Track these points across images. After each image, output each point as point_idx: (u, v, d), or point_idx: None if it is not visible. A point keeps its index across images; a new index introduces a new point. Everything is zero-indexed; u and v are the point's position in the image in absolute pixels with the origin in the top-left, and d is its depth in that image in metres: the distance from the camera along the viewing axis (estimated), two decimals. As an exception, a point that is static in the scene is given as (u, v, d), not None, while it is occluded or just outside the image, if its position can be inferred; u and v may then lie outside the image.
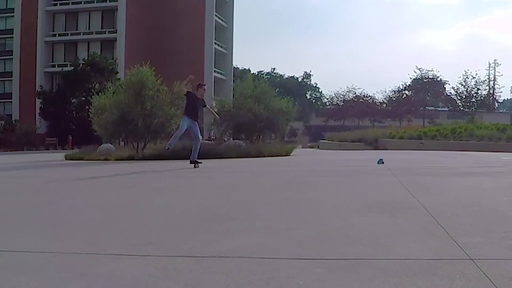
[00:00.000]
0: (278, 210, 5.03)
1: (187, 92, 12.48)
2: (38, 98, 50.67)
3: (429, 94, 73.56)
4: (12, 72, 59.31)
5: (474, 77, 66.74)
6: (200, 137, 12.58)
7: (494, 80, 75.64)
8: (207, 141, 23.39)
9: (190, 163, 11.87)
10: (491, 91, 74.28)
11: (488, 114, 70.13)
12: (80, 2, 58.06)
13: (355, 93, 78.22)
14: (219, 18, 62.26)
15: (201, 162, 11.93)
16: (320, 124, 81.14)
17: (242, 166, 12.44)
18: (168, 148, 12.42)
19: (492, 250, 3.15)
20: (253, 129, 21.96)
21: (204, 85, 12.90)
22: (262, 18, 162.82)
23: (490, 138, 25.78)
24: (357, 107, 74.54)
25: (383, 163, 11.34)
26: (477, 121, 48.73)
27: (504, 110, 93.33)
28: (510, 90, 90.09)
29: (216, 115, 15.14)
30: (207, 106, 13.07)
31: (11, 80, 59.36)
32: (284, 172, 10.62)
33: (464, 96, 67.37)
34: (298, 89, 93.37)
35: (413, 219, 4.29)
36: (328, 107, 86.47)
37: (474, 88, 66.75)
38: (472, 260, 2.89)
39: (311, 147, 43.00)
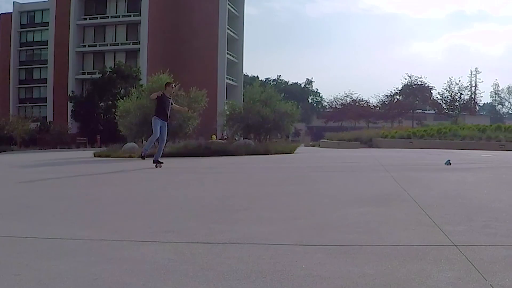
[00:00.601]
0: (283, 202, 5.03)
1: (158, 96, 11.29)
2: (70, 102, 50.84)
3: (417, 98, 73.31)
4: (46, 79, 59.78)
5: (457, 84, 67.33)
6: (166, 139, 11.39)
7: (476, 86, 74.98)
8: (220, 140, 23.44)
9: (153, 162, 10.74)
10: (473, 96, 73.81)
11: (470, 116, 69.50)
12: (107, 17, 58.19)
13: (352, 98, 77.99)
14: (231, 31, 62.21)
15: (162, 162, 10.76)
16: (321, 125, 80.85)
17: (251, 162, 12.42)
18: (144, 154, 11.42)
19: (474, 237, 3.14)
20: (261, 130, 21.94)
21: (172, 83, 11.72)
22: (269, 31, 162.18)
23: (471, 137, 25.63)
24: (354, 110, 74.27)
25: (450, 164, 9.65)
26: (460, 123, 48.33)
27: (484, 112, 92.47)
28: (490, 95, 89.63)
29: (187, 110, 14.02)
30: (173, 104, 11.77)
31: (46, 86, 59.82)
32: (288, 168, 10.61)
33: (448, 100, 67.63)
34: (301, 94, 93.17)
35: (404, 209, 4.28)
36: (328, 110, 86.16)
37: (457, 93, 67.20)
38: (456, 246, 2.89)
39: (313, 146, 42.74)
